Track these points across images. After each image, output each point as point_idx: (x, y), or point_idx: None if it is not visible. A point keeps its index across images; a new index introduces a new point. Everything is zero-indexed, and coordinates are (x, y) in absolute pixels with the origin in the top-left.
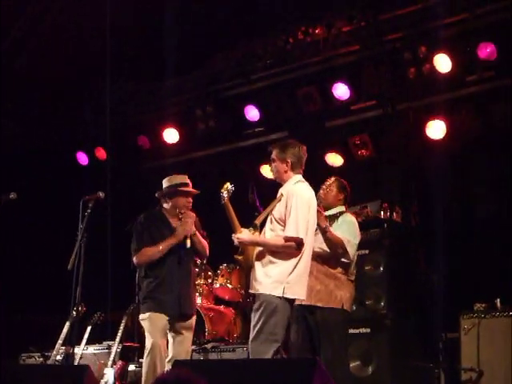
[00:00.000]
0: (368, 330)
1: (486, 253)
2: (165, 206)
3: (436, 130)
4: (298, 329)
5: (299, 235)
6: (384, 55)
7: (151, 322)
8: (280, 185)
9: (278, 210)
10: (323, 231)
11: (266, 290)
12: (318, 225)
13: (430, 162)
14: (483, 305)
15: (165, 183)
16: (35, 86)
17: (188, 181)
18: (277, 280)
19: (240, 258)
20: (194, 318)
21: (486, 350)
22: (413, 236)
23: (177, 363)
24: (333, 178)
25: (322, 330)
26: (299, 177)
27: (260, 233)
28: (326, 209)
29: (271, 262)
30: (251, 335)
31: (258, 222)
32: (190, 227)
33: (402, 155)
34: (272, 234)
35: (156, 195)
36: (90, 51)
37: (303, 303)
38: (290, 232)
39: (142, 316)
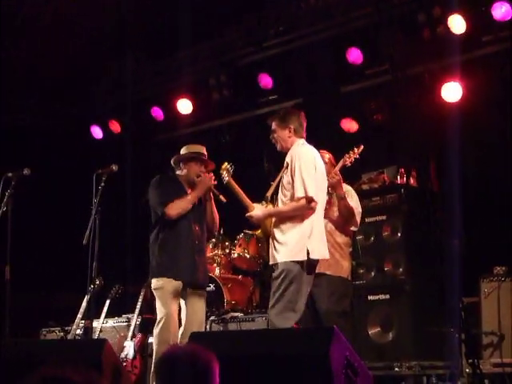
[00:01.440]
0: (387, 297)
1: (506, 215)
2: (178, 172)
3: (452, 92)
4: None
5: (308, 193)
6: (397, 18)
7: (165, 290)
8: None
9: (286, 176)
10: (340, 198)
11: (287, 258)
12: (337, 193)
13: (447, 124)
14: (503, 268)
15: (182, 151)
16: (49, 61)
17: (205, 152)
18: (297, 245)
19: (258, 232)
20: (206, 289)
21: (506, 314)
22: (430, 200)
23: (193, 336)
24: (322, 151)
25: (329, 297)
26: (303, 141)
27: (274, 204)
28: None
29: (289, 229)
30: (270, 302)
31: (268, 194)
32: (210, 182)
33: (417, 119)
34: (285, 202)
35: (171, 161)
36: (103, 25)
37: None
38: (298, 192)
39: (155, 283)
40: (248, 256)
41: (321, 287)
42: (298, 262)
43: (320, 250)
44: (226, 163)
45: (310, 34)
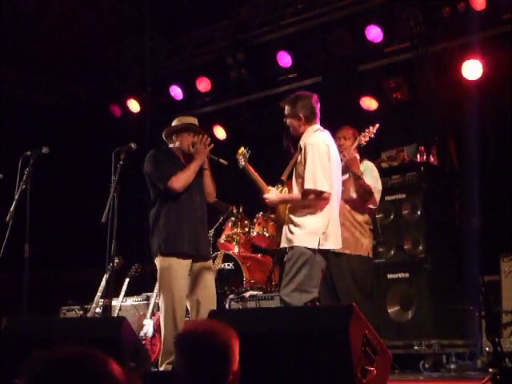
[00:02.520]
0: (407, 275)
1: None
2: (171, 146)
3: (472, 70)
4: (323, 276)
5: (317, 186)
6: None
7: (173, 271)
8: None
9: (300, 163)
10: (357, 178)
11: (300, 242)
12: (353, 172)
13: (467, 103)
14: None
15: (173, 123)
16: (68, 41)
17: (197, 123)
18: (311, 232)
19: (273, 216)
20: (211, 260)
21: None
22: (450, 178)
23: (212, 313)
24: (347, 127)
25: (349, 276)
26: (316, 126)
27: (290, 186)
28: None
29: (304, 215)
30: (282, 284)
31: (284, 177)
32: (207, 148)
33: (437, 97)
34: (299, 188)
35: (163, 135)
36: (123, 3)
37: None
38: (308, 184)
39: (161, 262)
40: (267, 235)
41: (340, 267)
42: (310, 249)
43: (333, 241)
44: (243, 148)
45: (329, 11)
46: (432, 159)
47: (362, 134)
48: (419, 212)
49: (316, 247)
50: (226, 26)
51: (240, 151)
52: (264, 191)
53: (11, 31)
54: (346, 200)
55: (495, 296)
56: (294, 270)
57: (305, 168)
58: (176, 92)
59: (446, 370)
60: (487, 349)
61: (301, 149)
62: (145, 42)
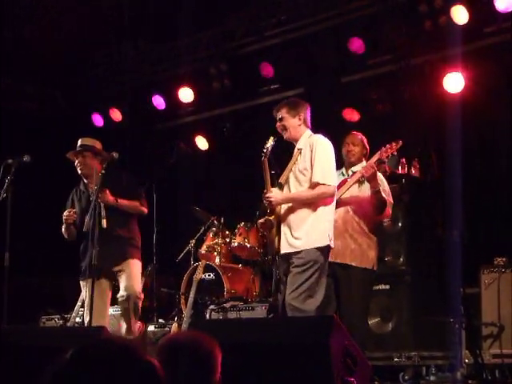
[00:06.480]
0: (387, 287)
1: (507, 206)
2: None
3: (454, 82)
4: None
5: (326, 181)
6: (400, 8)
7: None
8: (291, 145)
9: (300, 162)
10: (375, 192)
11: (310, 245)
12: (372, 186)
13: (449, 115)
14: (503, 259)
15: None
16: (49, 48)
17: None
18: (320, 231)
19: (271, 218)
20: (128, 262)
21: (506, 305)
22: (432, 191)
23: (192, 324)
24: (355, 133)
25: (352, 288)
26: (310, 132)
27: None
28: (352, 165)
29: (310, 215)
30: (289, 289)
31: (281, 180)
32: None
33: (419, 109)
34: (299, 188)
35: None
36: (104, 11)
37: (337, 261)
38: (318, 177)
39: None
40: (248, 245)
41: (349, 279)
42: (320, 249)
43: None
44: (271, 138)
45: (312, 23)
46: (413, 171)
47: (384, 149)
48: (400, 224)
49: (326, 244)
50: (209, 36)
51: (270, 140)
52: (268, 190)
53: None
54: (360, 211)
55: (475, 308)
56: (304, 277)
57: (312, 163)
58: (158, 101)
59: (425, 382)
60: (467, 361)
61: (300, 150)
62: (127, 51)
